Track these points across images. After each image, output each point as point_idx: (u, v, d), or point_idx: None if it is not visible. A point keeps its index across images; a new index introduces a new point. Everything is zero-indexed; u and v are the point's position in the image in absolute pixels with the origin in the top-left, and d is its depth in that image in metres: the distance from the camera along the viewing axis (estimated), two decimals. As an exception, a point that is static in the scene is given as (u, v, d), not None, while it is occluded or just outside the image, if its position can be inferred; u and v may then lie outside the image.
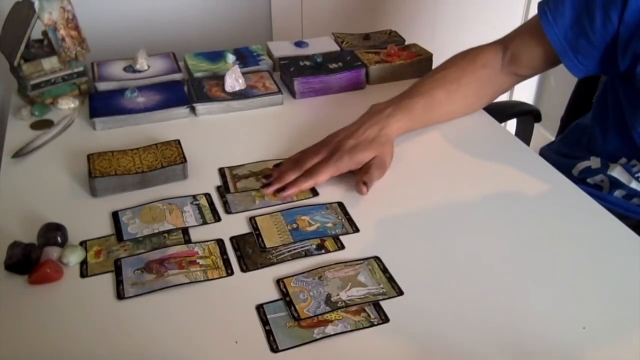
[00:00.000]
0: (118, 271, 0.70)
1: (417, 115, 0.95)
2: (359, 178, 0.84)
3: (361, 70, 1.14)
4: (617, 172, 0.95)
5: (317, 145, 0.90)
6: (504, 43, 1.01)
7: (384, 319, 0.64)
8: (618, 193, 0.97)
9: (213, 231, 0.77)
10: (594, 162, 0.99)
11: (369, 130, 0.89)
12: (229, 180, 0.87)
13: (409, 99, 0.95)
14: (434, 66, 1.21)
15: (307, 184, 0.84)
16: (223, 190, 0.85)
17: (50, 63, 1.06)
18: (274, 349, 0.61)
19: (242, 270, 0.71)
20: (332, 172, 0.85)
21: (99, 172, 0.83)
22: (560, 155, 1.06)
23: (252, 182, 0.86)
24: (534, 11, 2.16)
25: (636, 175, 0.94)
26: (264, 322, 0.64)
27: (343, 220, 0.79)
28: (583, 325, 0.64)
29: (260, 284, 0.69)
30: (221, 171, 0.89)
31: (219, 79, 1.10)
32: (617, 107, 0.95)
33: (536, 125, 1.34)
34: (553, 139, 1.19)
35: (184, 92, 1.08)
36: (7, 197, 0.83)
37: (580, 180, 1.00)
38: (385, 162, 0.87)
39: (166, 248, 0.74)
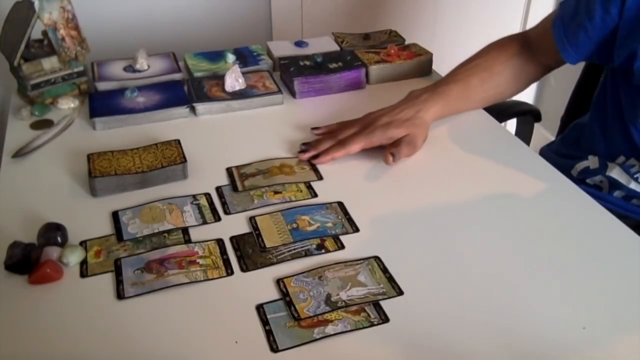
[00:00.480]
0: (118, 271, 0.70)
1: (452, 101, 0.99)
2: (387, 149, 0.89)
3: (361, 70, 1.14)
4: (615, 172, 0.95)
5: (354, 120, 0.96)
6: (530, 32, 1.04)
7: (384, 319, 0.64)
8: (617, 193, 0.97)
9: (213, 231, 0.77)
10: (592, 162, 0.99)
11: (405, 111, 0.94)
12: (237, 178, 0.87)
13: (445, 86, 0.99)
14: (434, 66, 1.21)
15: (339, 153, 0.90)
16: (231, 188, 0.85)
17: (50, 63, 1.06)
18: (274, 349, 0.61)
19: (242, 270, 0.71)
20: (364, 144, 0.91)
21: (99, 172, 0.84)
22: (559, 156, 1.06)
23: (259, 180, 0.86)
24: (534, 11, 2.16)
25: (635, 176, 0.94)
26: (264, 322, 0.64)
27: (343, 220, 0.79)
28: (583, 325, 0.64)
29: (260, 284, 0.69)
30: (228, 170, 0.89)
31: (219, 78, 1.10)
32: (616, 105, 0.95)
33: (536, 125, 1.34)
34: (553, 139, 1.19)
35: (184, 92, 1.08)
36: (7, 197, 0.83)
37: (579, 180, 1.00)
38: (416, 141, 0.91)
39: (166, 248, 0.74)
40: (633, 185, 0.94)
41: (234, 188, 0.85)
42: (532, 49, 1.02)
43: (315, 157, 0.90)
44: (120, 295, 0.67)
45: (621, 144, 0.94)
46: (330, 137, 0.93)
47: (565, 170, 0.95)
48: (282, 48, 1.23)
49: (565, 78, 1.40)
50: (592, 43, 0.90)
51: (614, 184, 0.96)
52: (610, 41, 0.88)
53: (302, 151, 0.92)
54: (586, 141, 1.03)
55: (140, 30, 1.64)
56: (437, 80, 1.03)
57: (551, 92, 2.25)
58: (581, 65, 1.19)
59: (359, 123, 0.94)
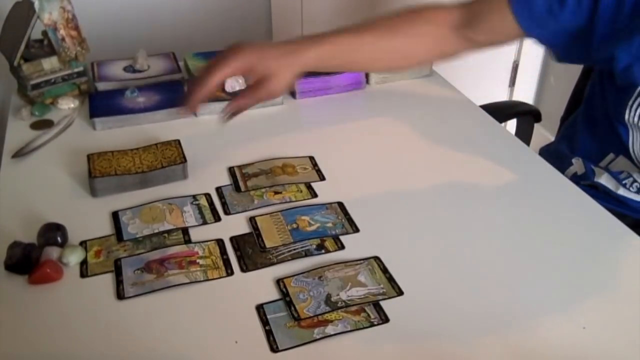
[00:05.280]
0: (118, 271, 0.70)
1: (335, 53, 0.88)
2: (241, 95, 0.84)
3: (361, 70, 1.14)
4: (604, 179, 0.95)
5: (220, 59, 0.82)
6: (466, 5, 0.94)
7: (384, 319, 0.64)
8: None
9: (213, 231, 0.77)
10: (578, 167, 0.98)
11: (277, 49, 0.84)
12: (239, 178, 0.87)
13: (334, 36, 0.88)
14: (434, 66, 1.21)
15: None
16: (233, 188, 0.85)
17: (50, 63, 1.06)
18: (274, 349, 0.61)
19: (242, 270, 0.71)
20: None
21: (99, 172, 0.84)
22: (554, 158, 1.06)
23: (262, 180, 0.86)
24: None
25: (623, 182, 0.93)
26: (264, 322, 0.64)
27: (343, 220, 0.79)
28: (583, 325, 0.64)
29: (260, 284, 0.69)
30: (231, 170, 0.89)
31: (219, 79, 1.10)
32: (603, 103, 0.95)
33: (536, 125, 1.34)
34: (553, 139, 1.19)
35: (183, 92, 1.08)
36: (7, 197, 0.83)
37: (574, 183, 1.00)
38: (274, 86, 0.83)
39: (166, 248, 0.74)
40: (622, 192, 0.94)
41: (237, 188, 0.85)
42: (463, 21, 0.92)
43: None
44: (120, 295, 0.67)
45: (610, 142, 0.94)
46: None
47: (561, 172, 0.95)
48: (282, 48, 1.23)
49: (566, 78, 1.40)
50: (565, 34, 0.85)
51: (604, 191, 0.96)
52: (583, 39, 0.84)
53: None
54: (577, 140, 1.03)
55: (140, 30, 1.64)
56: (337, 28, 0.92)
57: (551, 92, 2.25)
58: (581, 65, 1.19)
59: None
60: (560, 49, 0.90)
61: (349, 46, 0.89)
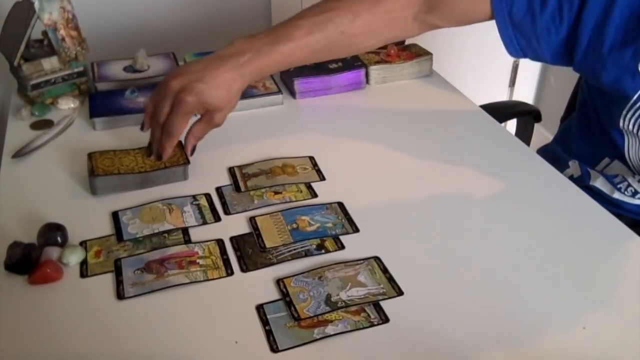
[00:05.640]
0: (118, 271, 0.70)
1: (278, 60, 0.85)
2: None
3: (361, 70, 1.14)
4: (599, 183, 0.95)
5: (161, 88, 0.83)
6: None
7: (384, 319, 0.64)
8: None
9: (213, 231, 0.77)
10: (575, 170, 0.98)
11: (213, 72, 0.82)
12: (239, 178, 0.87)
13: (276, 45, 0.83)
14: (434, 67, 1.21)
15: (169, 145, 0.85)
16: (233, 188, 0.85)
17: (50, 63, 1.06)
18: (274, 349, 0.61)
19: (242, 270, 0.71)
20: (184, 126, 0.84)
21: (102, 170, 0.83)
22: (552, 159, 1.06)
23: (262, 180, 0.86)
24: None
25: (618, 186, 0.93)
26: (264, 322, 0.64)
27: (343, 220, 0.79)
28: (583, 325, 0.64)
29: (260, 284, 0.69)
30: (231, 170, 0.89)
31: (219, 79, 1.10)
32: (595, 109, 0.95)
33: (536, 125, 1.34)
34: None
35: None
36: (7, 197, 0.83)
37: None
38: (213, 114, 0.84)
39: (166, 248, 0.74)
40: (617, 195, 0.94)
41: (237, 188, 0.85)
42: (424, 6, 0.88)
43: (160, 155, 0.85)
44: (120, 295, 0.67)
45: (605, 147, 0.94)
46: (156, 123, 0.84)
47: None
48: (282, 48, 1.23)
49: (566, 78, 1.40)
50: (536, 35, 0.84)
51: (599, 194, 0.95)
52: (562, 42, 0.84)
53: (150, 154, 0.87)
54: (573, 143, 1.03)
55: (140, 30, 1.64)
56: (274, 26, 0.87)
57: (551, 92, 2.25)
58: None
59: (166, 93, 0.82)
60: (529, 52, 0.87)
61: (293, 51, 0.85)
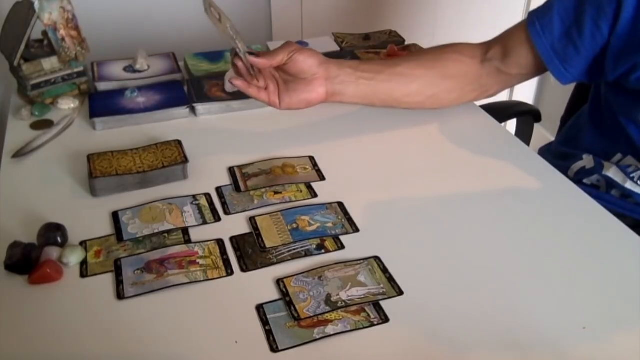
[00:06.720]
0: (118, 271, 0.70)
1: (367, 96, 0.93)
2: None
3: (361, 70, 1.14)
4: (612, 172, 0.95)
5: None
6: (492, 41, 0.98)
7: (384, 319, 0.64)
8: (615, 192, 0.97)
9: (213, 231, 0.77)
10: (588, 161, 0.99)
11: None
12: (239, 178, 0.87)
13: (372, 81, 0.92)
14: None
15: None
16: (233, 188, 0.85)
17: (50, 63, 1.06)
18: (274, 349, 0.61)
19: (242, 270, 0.71)
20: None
21: (100, 172, 0.83)
22: (556, 157, 1.06)
23: (262, 180, 0.86)
24: (534, 11, 2.14)
25: (631, 175, 0.93)
26: (264, 322, 0.64)
27: (343, 220, 0.79)
28: (583, 325, 0.64)
29: (260, 284, 0.69)
30: (231, 170, 0.89)
31: (219, 79, 1.10)
32: (611, 105, 0.95)
33: (536, 125, 1.34)
34: (553, 139, 1.19)
35: (183, 92, 1.08)
36: (7, 197, 0.83)
37: (576, 182, 1.00)
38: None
39: (166, 248, 0.74)
40: (629, 185, 0.94)
41: (237, 188, 0.85)
42: (491, 54, 0.96)
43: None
44: (120, 295, 0.67)
45: (618, 143, 0.94)
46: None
47: (562, 172, 0.95)
48: (282, 48, 1.23)
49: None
50: (582, 59, 0.89)
51: (611, 183, 0.96)
52: (600, 59, 0.87)
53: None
54: (583, 140, 1.03)
55: (140, 30, 1.64)
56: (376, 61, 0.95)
57: (551, 92, 2.25)
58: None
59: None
60: (578, 73, 0.91)
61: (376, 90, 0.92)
